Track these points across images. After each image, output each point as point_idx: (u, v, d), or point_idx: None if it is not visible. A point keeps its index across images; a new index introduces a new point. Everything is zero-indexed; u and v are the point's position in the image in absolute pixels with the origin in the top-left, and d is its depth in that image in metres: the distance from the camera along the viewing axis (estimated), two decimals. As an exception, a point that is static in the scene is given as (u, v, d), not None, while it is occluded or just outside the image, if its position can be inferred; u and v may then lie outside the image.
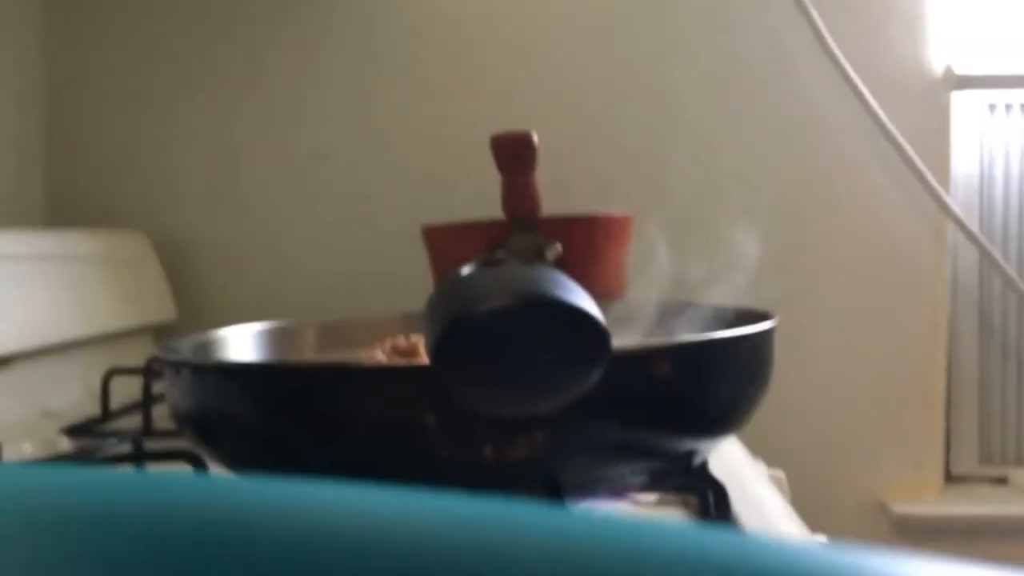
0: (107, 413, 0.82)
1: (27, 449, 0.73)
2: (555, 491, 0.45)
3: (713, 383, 0.49)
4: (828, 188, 1.13)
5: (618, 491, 0.54)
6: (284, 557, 0.14)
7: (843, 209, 1.12)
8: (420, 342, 0.61)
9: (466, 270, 0.34)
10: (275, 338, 0.69)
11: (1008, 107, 1.15)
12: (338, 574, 0.14)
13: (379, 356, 0.61)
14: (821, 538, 0.57)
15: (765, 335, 0.52)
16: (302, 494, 0.16)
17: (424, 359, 0.37)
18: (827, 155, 1.12)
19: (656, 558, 0.14)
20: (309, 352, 0.70)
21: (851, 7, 1.11)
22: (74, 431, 0.77)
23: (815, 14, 1.09)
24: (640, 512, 0.54)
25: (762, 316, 0.56)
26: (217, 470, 0.51)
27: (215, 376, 0.46)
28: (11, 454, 0.65)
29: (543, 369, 0.33)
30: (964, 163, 1.15)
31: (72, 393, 0.90)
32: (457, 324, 0.32)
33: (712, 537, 0.15)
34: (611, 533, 0.15)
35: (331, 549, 0.14)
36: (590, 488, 0.48)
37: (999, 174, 1.16)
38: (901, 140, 1.09)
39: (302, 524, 0.15)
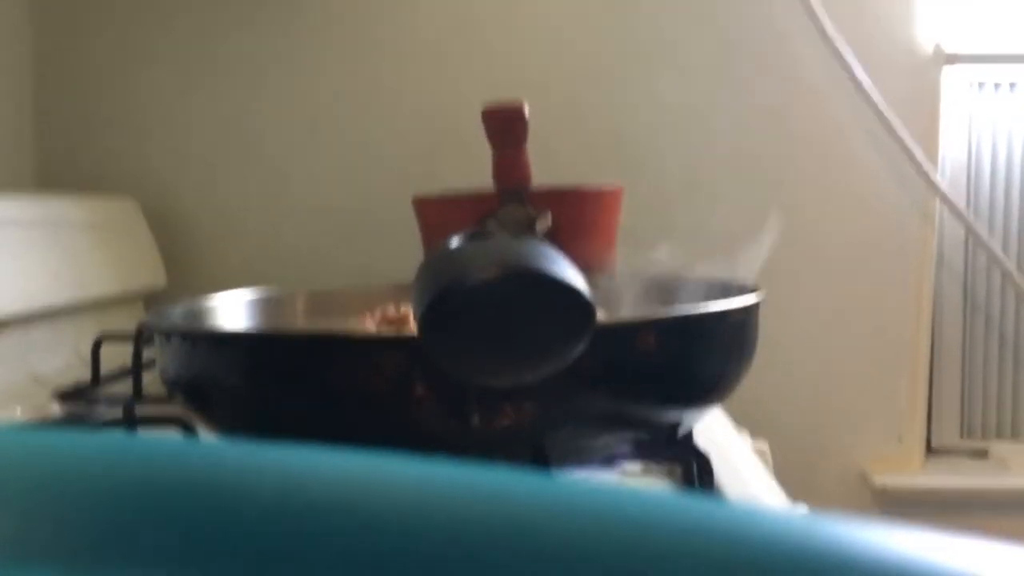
0: (97, 379, 0.83)
1: (18, 413, 0.73)
2: (542, 460, 0.45)
3: (698, 356, 0.50)
4: (817, 162, 1.13)
5: (604, 460, 0.55)
6: (273, 520, 0.15)
7: (831, 184, 1.13)
8: (410, 312, 0.61)
9: (455, 242, 0.35)
10: (265, 306, 0.69)
11: (997, 85, 1.15)
12: (323, 535, 0.14)
13: (369, 326, 0.61)
14: (803, 508, 0.58)
15: (750, 309, 0.52)
16: (292, 458, 0.17)
17: (413, 329, 0.37)
18: (816, 130, 1.13)
19: (636, 524, 0.15)
20: (299, 321, 0.71)
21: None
22: (65, 396, 0.78)
23: (808, -12, 1.09)
24: (625, 481, 0.55)
25: (748, 290, 0.57)
26: (207, 436, 0.52)
27: (205, 344, 0.47)
28: (1, 418, 0.65)
29: (529, 340, 0.34)
30: (953, 140, 1.16)
31: (62, 358, 0.90)
32: (445, 295, 0.32)
33: (694, 506, 0.15)
34: (594, 500, 0.15)
35: (318, 511, 0.15)
36: (576, 457, 0.49)
37: (987, 151, 1.16)
38: (890, 116, 1.09)
39: (291, 488, 0.16)
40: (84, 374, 0.84)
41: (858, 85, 1.09)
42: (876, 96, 1.09)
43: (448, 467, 0.16)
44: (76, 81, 1.16)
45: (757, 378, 0.57)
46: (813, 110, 1.12)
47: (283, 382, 0.45)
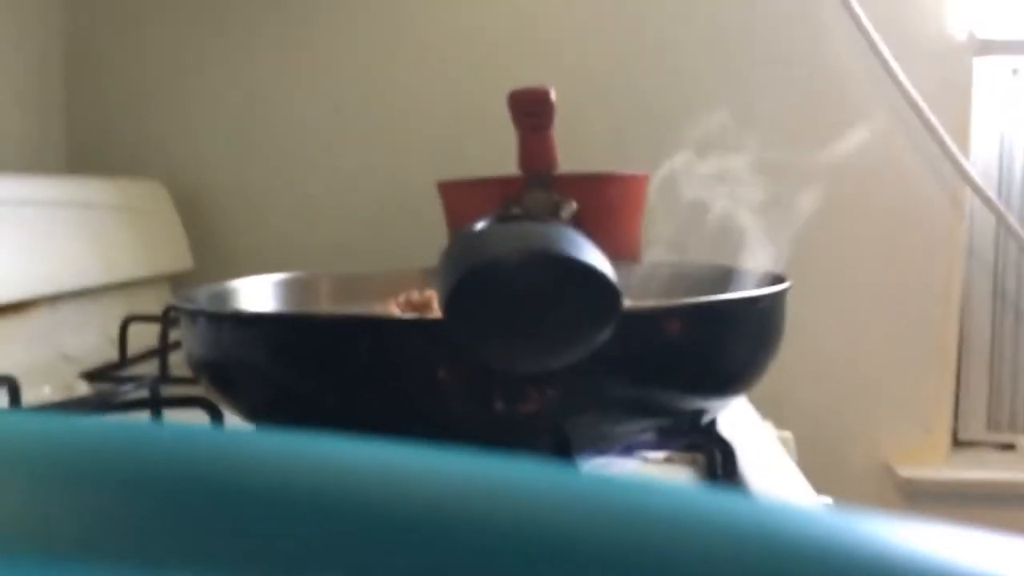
0: (124, 359, 0.83)
1: (46, 392, 0.74)
2: (564, 446, 0.45)
3: (723, 344, 0.49)
4: (846, 150, 1.12)
5: (627, 448, 0.55)
6: (292, 512, 0.15)
7: (861, 172, 1.12)
8: (434, 297, 0.61)
9: (479, 225, 0.34)
10: (290, 289, 0.70)
11: (1032, 72, 1.14)
12: (344, 530, 0.14)
13: (393, 310, 0.61)
14: (827, 500, 0.58)
15: (777, 297, 0.52)
16: (313, 448, 0.17)
17: (437, 313, 0.37)
18: (847, 117, 1.11)
19: (659, 520, 0.14)
20: (324, 304, 0.71)
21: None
22: (92, 376, 0.78)
23: (840, -26, 1.07)
24: (647, 470, 0.55)
25: (775, 278, 0.56)
26: (232, 418, 0.52)
27: (229, 325, 0.47)
28: (30, 397, 0.66)
29: (554, 326, 0.34)
30: (985, 129, 1.14)
31: (90, 339, 0.91)
32: (469, 278, 0.32)
33: (718, 501, 0.15)
34: (618, 494, 0.15)
35: (338, 505, 0.15)
36: (599, 444, 0.48)
37: (1019, 140, 1.15)
38: (922, 104, 1.08)
39: (311, 479, 0.15)
40: (112, 354, 0.85)
41: (890, 72, 1.08)
42: (907, 83, 1.08)
43: (472, 459, 0.16)
44: (105, 67, 1.17)
45: (782, 367, 0.56)
46: (844, 97, 1.11)
47: (306, 364, 0.45)
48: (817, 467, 0.69)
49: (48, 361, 0.84)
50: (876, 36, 1.07)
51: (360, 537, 0.14)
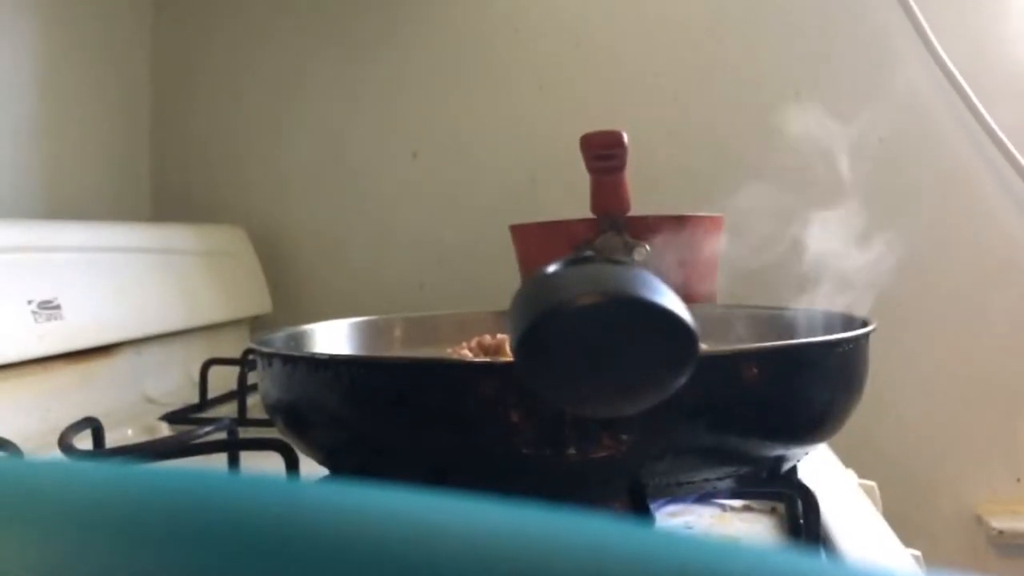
0: (204, 401, 0.85)
1: (128, 434, 0.75)
2: (638, 494, 0.44)
3: (804, 389, 0.48)
4: (931, 191, 1.09)
5: (704, 496, 0.54)
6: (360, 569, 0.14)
7: (946, 213, 1.09)
8: (506, 340, 0.61)
9: (552, 267, 0.34)
10: (364, 332, 0.70)
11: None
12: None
13: (465, 353, 0.61)
14: (915, 552, 0.55)
15: (859, 340, 0.50)
16: (379, 504, 0.16)
17: (509, 357, 0.37)
18: (931, 158, 1.09)
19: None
20: (397, 346, 0.71)
21: (955, 6, 1.07)
22: (173, 417, 0.80)
23: (919, 13, 1.06)
24: (725, 519, 0.53)
25: (858, 322, 0.55)
26: (306, 460, 0.52)
27: (303, 367, 0.47)
28: (113, 438, 0.67)
29: (629, 370, 0.33)
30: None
31: (173, 381, 0.93)
32: (542, 320, 0.31)
33: (805, 566, 0.14)
34: (697, 557, 0.14)
35: (405, 568, 0.14)
36: (675, 492, 0.47)
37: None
38: (1007, 142, 1.05)
39: (380, 538, 0.15)
40: (192, 396, 0.87)
41: (973, 110, 1.05)
42: (991, 121, 1.05)
43: (555, 520, 0.15)
44: (188, 117, 1.21)
45: (865, 414, 0.54)
46: (926, 137, 1.08)
47: (377, 407, 0.45)
48: (903, 517, 0.66)
49: (131, 403, 0.86)
50: (959, 75, 1.05)
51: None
